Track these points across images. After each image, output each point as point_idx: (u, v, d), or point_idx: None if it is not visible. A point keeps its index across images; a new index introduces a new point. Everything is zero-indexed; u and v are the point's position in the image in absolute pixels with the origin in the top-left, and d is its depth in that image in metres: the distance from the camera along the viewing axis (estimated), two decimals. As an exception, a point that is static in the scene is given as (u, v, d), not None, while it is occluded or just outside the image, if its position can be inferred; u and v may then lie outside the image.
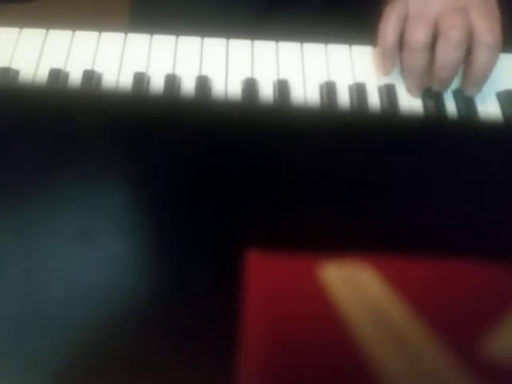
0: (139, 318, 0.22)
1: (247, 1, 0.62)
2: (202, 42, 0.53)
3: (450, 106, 0.50)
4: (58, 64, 0.50)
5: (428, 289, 0.22)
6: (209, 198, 0.24)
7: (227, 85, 0.51)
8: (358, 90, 0.50)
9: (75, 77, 0.50)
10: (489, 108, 0.50)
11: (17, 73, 0.50)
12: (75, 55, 0.51)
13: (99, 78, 0.50)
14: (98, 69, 0.51)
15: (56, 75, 0.49)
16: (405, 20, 0.50)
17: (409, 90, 0.51)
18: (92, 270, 0.23)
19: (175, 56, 0.52)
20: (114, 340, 0.22)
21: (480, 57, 0.47)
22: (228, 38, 0.53)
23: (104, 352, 0.21)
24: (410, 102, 0.51)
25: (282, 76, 0.51)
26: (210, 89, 0.50)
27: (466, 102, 0.50)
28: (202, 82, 0.50)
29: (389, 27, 0.50)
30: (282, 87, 0.50)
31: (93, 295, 0.22)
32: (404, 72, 0.51)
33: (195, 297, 0.22)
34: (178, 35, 0.54)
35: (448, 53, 0.47)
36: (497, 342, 0.21)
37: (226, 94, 0.50)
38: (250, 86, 0.50)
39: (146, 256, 0.23)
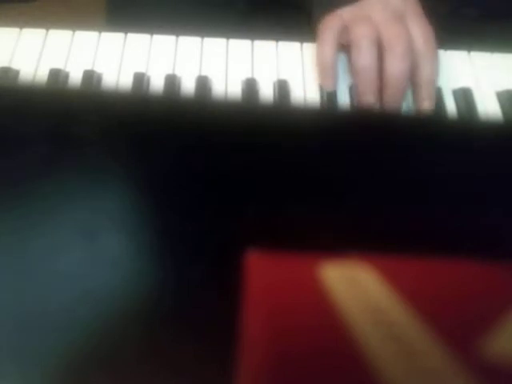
0: (138, 317, 0.22)
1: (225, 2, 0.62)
2: (202, 42, 0.53)
3: (450, 106, 0.50)
4: (58, 64, 0.50)
5: (428, 289, 0.22)
6: (209, 197, 0.24)
7: (227, 85, 0.51)
8: (358, 90, 0.50)
9: (75, 77, 0.50)
10: (489, 108, 0.50)
11: (17, 73, 0.50)
12: (75, 55, 0.51)
13: (99, 78, 0.50)
14: (98, 69, 0.51)
15: (56, 75, 0.49)
16: (342, 33, 0.49)
17: (363, 95, 0.48)
18: (91, 270, 0.23)
19: (175, 56, 0.52)
20: (113, 339, 0.22)
21: (423, 70, 0.48)
22: (228, 38, 0.54)
23: (103, 352, 0.22)
24: (409, 102, 0.51)
25: (282, 76, 0.51)
26: (210, 89, 0.50)
27: (466, 102, 0.50)
28: (202, 82, 0.50)
29: (326, 45, 0.49)
30: (282, 87, 0.50)
31: (92, 295, 0.22)
32: (356, 76, 0.48)
33: (194, 297, 0.22)
34: (177, 35, 0.54)
35: (396, 65, 0.46)
36: (497, 342, 0.21)
37: (226, 94, 0.50)
38: (250, 86, 0.50)
39: (145, 256, 0.23)
